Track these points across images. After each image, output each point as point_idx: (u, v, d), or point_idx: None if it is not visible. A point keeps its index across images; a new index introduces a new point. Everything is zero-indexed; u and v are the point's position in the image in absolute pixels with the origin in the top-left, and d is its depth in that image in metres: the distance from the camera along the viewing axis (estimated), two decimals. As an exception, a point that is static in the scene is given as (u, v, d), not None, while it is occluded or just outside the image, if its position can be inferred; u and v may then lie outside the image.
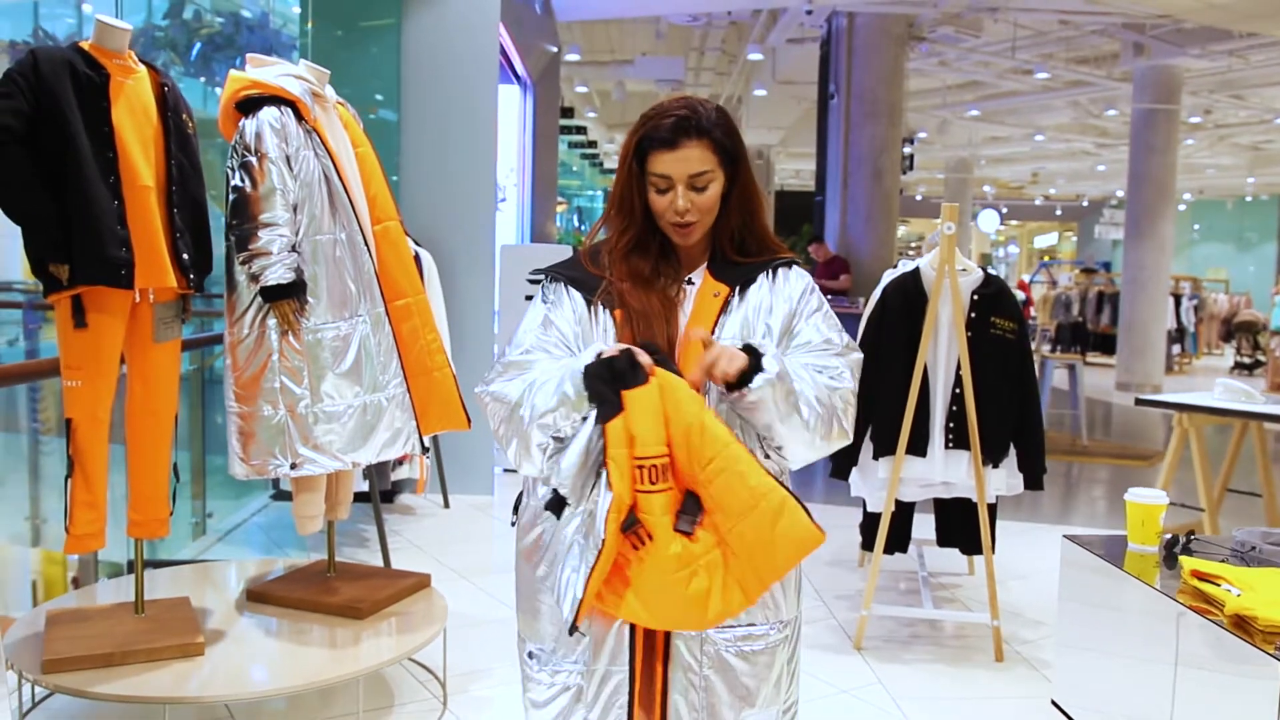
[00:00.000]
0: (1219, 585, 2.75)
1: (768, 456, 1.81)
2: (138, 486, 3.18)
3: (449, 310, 5.57)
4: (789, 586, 1.89)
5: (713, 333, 1.83)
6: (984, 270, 4.18)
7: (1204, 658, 2.68)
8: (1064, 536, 3.54)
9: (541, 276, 1.94)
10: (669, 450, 1.68)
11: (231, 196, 3.13)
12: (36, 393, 4.63)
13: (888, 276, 4.32)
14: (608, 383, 1.68)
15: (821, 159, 11.94)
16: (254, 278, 3.11)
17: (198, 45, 6.12)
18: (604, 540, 1.64)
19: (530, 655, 1.88)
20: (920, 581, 4.60)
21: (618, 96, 15.60)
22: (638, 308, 1.83)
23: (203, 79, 6.07)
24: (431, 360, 3.52)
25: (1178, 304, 17.40)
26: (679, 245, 1.90)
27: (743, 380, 1.70)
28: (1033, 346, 13.61)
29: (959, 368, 4.04)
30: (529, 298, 1.94)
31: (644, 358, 1.70)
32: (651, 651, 1.83)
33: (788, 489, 1.71)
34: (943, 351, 4.13)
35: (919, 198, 29.03)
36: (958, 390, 4.08)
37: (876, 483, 4.20)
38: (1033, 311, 18.92)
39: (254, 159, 3.10)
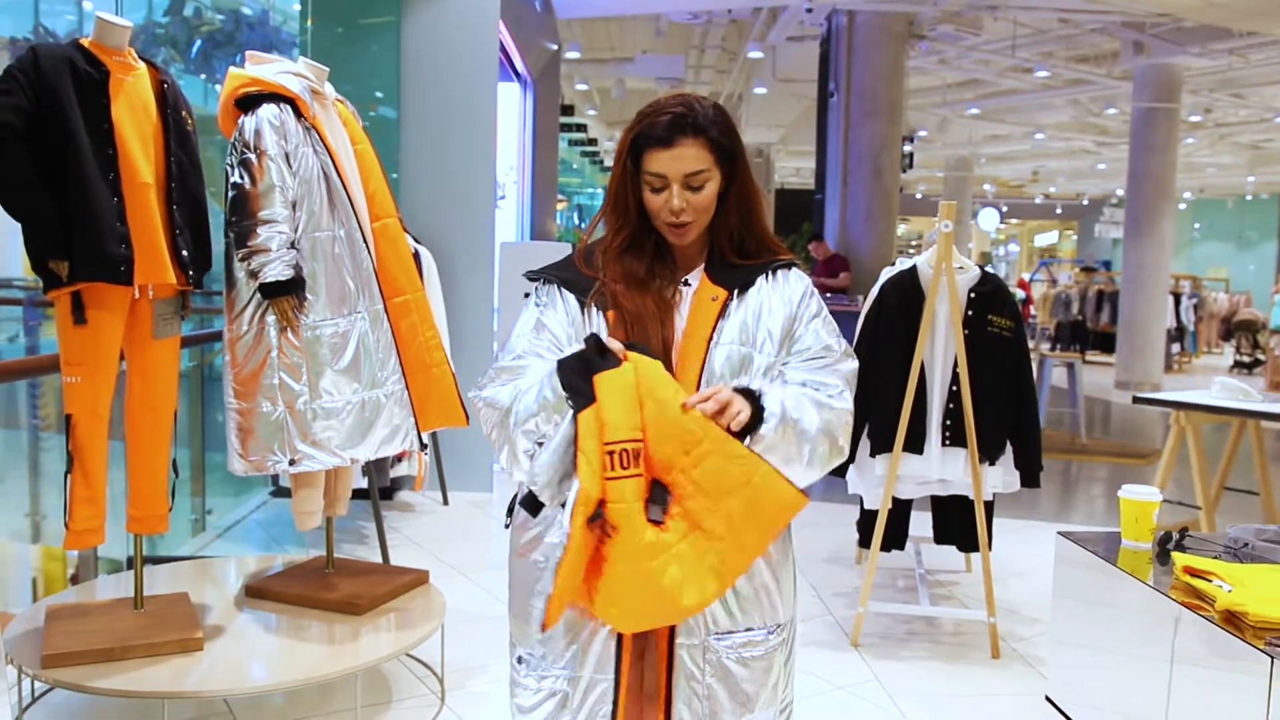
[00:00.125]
0: (1211, 581, 2.77)
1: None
2: (137, 483, 3.19)
3: (448, 307, 5.58)
4: (785, 589, 1.87)
5: (710, 338, 1.79)
6: (981, 268, 4.19)
7: (1196, 653, 2.69)
8: (1058, 533, 3.55)
9: (533, 281, 1.91)
10: (642, 435, 1.63)
11: (231, 193, 3.14)
12: (36, 389, 4.64)
13: (885, 274, 4.33)
14: (578, 372, 1.65)
15: (821, 157, 11.95)
16: (253, 274, 3.13)
17: (198, 42, 6.13)
18: (569, 535, 1.58)
19: (520, 660, 1.86)
20: (917, 579, 4.62)
21: (618, 94, 15.61)
22: (631, 309, 1.80)
23: (203, 76, 6.08)
24: (430, 357, 3.53)
25: (1177, 303, 17.40)
26: (675, 245, 1.86)
27: (749, 426, 1.67)
28: (1032, 345, 13.62)
29: (956, 365, 4.05)
30: (528, 294, 1.92)
31: (614, 344, 1.66)
32: (642, 659, 1.81)
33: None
34: (940, 349, 4.14)
35: (919, 196, 29.03)
36: (955, 388, 4.09)
37: (874, 480, 4.21)
38: (1033, 310, 18.94)
39: (253, 156, 3.11)
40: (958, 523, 4.45)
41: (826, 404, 1.77)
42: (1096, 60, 13.95)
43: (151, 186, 2.98)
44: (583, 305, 1.82)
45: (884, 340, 4.15)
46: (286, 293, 3.15)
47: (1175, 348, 17.50)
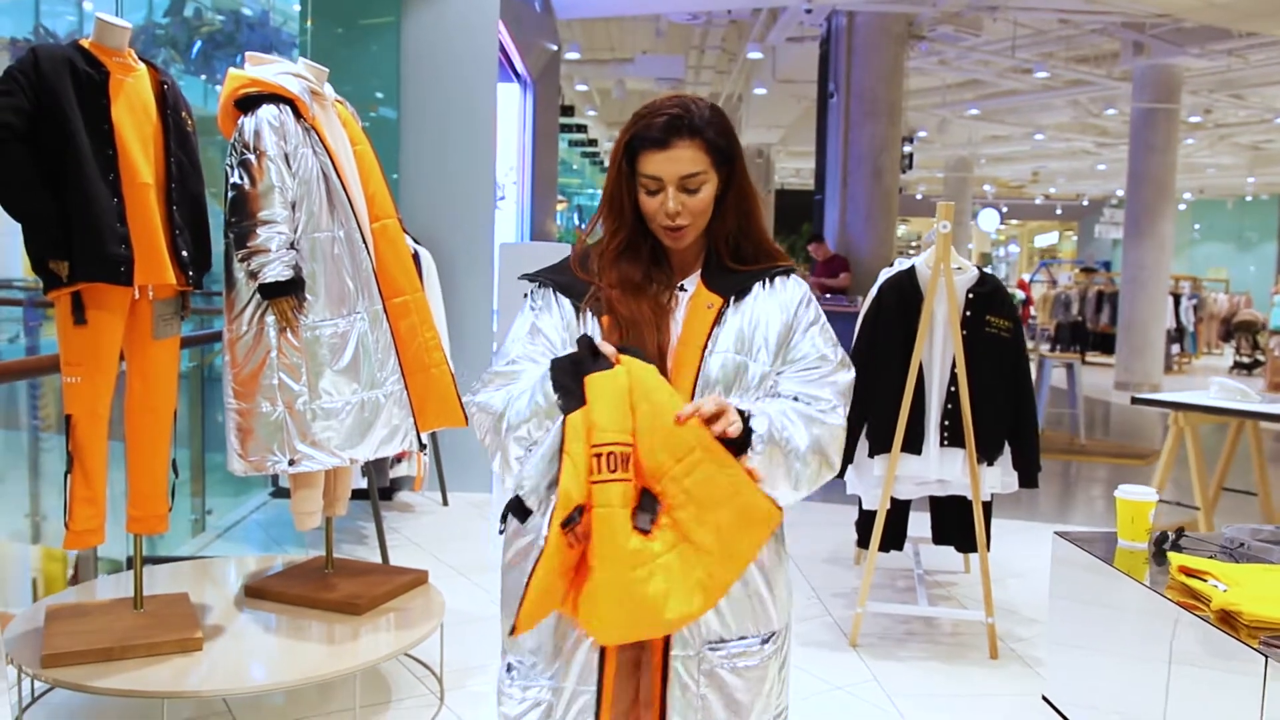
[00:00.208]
0: (1206, 581, 2.78)
1: None
2: (137, 483, 3.20)
3: (448, 308, 5.58)
4: (779, 596, 1.83)
5: (705, 346, 1.76)
6: (979, 269, 4.20)
7: (1192, 653, 2.70)
8: (1055, 533, 3.56)
9: (531, 282, 1.88)
10: (632, 440, 1.59)
11: (230, 194, 3.15)
12: (37, 389, 4.65)
13: (884, 275, 4.33)
14: (569, 373, 1.62)
15: (821, 158, 11.95)
16: (252, 275, 3.13)
17: (198, 43, 6.14)
18: (545, 539, 1.54)
19: (509, 668, 1.83)
20: (916, 579, 4.62)
21: (618, 95, 15.62)
22: (626, 315, 1.76)
23: (203, 76, 6.09)
24: (429, 357, 3.54)
25: (1177, 304, 17.41)
26: (671, 250, 1.83)
27: (740, 444, 1.64)
28: (1032, 346, 13.59)
29: (954, 366, 4.06)
30: (527, 295, 1.89)
31: (606, 347, 1.63)
32: (639, 670, 1.79)
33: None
34: (938, 350, 4.15)
35: (919, 196, 29.05)
36: (953, 388, 4.10)
37: (872, 480, 4.22)
38: (1033, 311, 18.95)
39: (253, 157, 3.12)
40: (956, 523, 4.46)
41: (818, 419, 1.73)
42: (1096, 61, 13.96)
43: (151, 187, 2.99)
44: (578, 310, 1.80)
45: (882, 341, 4.15)
46: (286, 293, 3.16)
47: (1175, 349, 17.50)
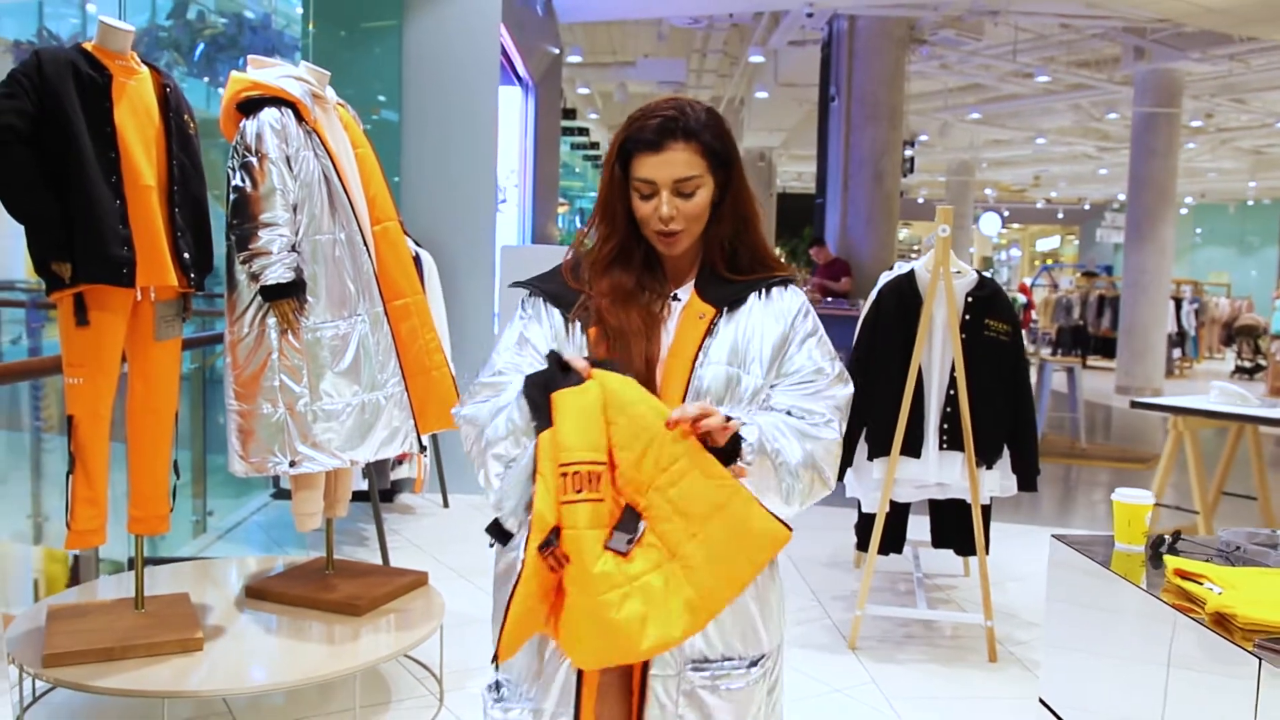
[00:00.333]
0: (1201, 584, 2.79)
1: None
2: (138, 484, 3.21)
3: (449, 311, 5.60)
4: (770, 618, 1.76)
5: (696, 358, 1.70)
6: (978, 272, 4.21)
7: (1187, 655, 2.71)
8: (1052, 536, 3.57)
9: (524, 289, 1.82)
10: (608, 457, 1.54)
11: (232, 196, 3.16)
12: (39, 390, 4.66)
13: (884, 279, 4.34)
14: (540, 390, 1.57)
15: (822, 161, 11.97)
16: (254, 277, 3.15)
17: (201, 45, 6.16)
18: (522, 563, 1.50)
19: (496, 685, 1.77)
20: (915, 582, 4.63)
21: (620, 98, 15.63)
22: (614, 325, 1.71)
23: (206, 79, 6.11)
24: (430, 360, 3.55)
25: (1178, 308, 17.40)
26: (665, 257, 1.78)
27: (729, 453, 1.59)
28: (1033, 350, 13.58)
29: (953, 369, 4.07)
30: (521, 302, 1.86)
31: (578, 362, 1.58)
32: (624, 691, 1.71)
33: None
34: (937, 353, 4.16)
35: (921, 200, 29.05)
36: (952, 392, 4.11)
37: (871, 483, 4.23)
38: (1034, 315, 18.95)
39: (254, 159, 3.13)
40: (955, 526, 4.47)
41: (811, 434, 1.68)
42: (1097, 65, 13.97)
43: (153, 189, 3.01)
44: (567, 320, 1.75)
45: (882, 344, 4.16)
46: (287, 295, 3.17)
47: (1176, 353, 17.50)
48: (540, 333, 1.76)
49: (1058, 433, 9.56)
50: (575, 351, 1.69)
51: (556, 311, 1.76)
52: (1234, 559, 3.05)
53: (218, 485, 5.52)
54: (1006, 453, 4.20)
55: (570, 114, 15.29)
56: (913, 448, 4.12)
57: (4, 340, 5.36)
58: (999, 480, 4.22)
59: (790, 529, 1.59)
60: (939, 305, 4.09)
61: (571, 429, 1.52)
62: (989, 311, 4.13)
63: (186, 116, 3.18)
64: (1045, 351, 16.93)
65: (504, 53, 7.34)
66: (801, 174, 26.54)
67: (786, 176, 27.51)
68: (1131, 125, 13.96)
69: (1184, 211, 28.59)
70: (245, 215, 3.14)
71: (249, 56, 3.36)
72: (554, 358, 1.60)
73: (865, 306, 4.42)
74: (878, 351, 4.16)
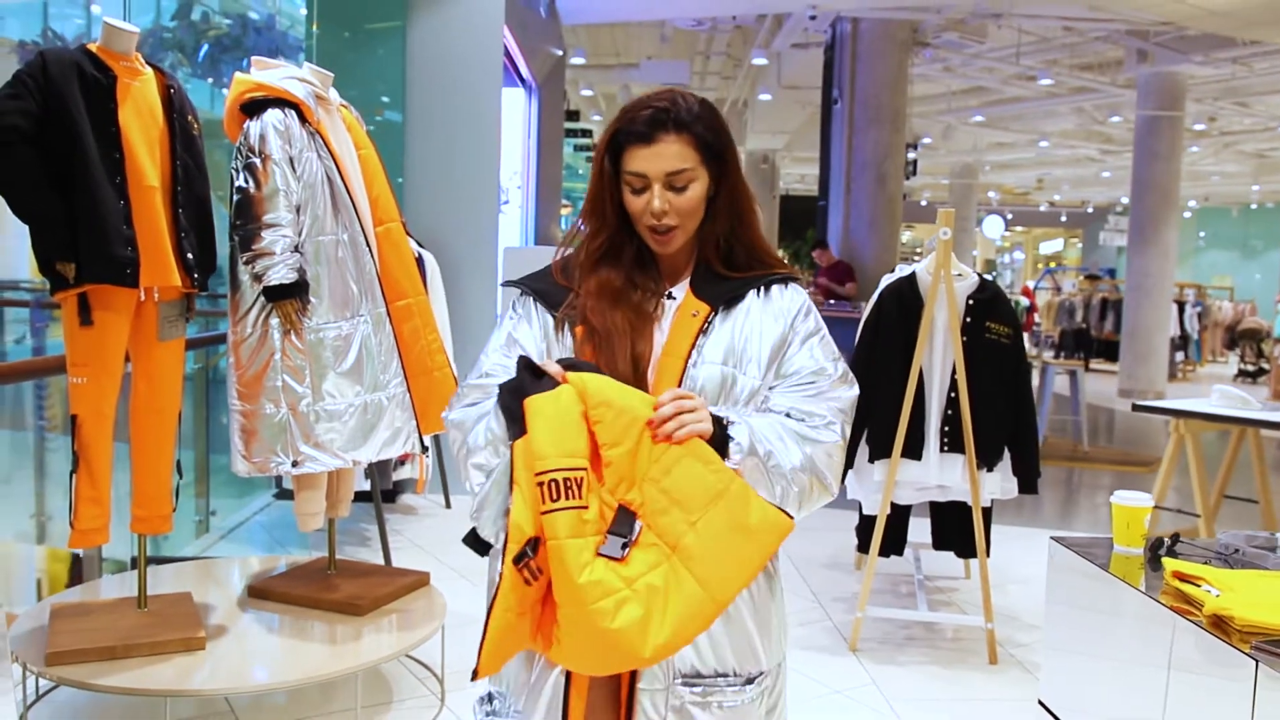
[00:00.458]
0: (1199, 586, 2.79)
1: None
2: (141, 483, 3.22)
3: (451, 311, 5.61)
4: (770, 634, 1.68)
5: (688, 358, 1.64)
6: (979, 275, 4.21)
7: (1185, 657, 2.71)
8: (1051, 538, 3.57)
9: (514, 288, 1.76)
10: (590, 460, 1.48)
11: (236, 197, 3.17)
12: (43, 390, 4.68)
13: (885, 281, 4.35)
14: (514, 396, 1.51)
15: (825, 164, 11.97)
16: (257, 277, 3.16)
17: (205, 46, 6.18)
18: (500, 576, 1.45)
19: (487, 697, 1.72)
20: (916, 584, 4.64)
21: (623, 100, 15.60)
22: (599, 325, 1.64)
23: (210, 80, 6.13)
24: (432, 360, 3.56)
25: (1181, 311, 17.40)
26: (660, 255, 1.71)
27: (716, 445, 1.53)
28: (1036, 352, 13.57)
29: (954, 372, 4.07)
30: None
31: (550, 366, 1.53)
32: (613, 704, 1.64)
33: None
34: (938, 356, 4.17)
35: (924, 203, 29.07)
36: (953, 394, 4.11)
37: (872, 485, 4.24)
38: (1037, 318, 18.94)
39: (258, 160, 3.15)
40: (956, 529, 4.48)
41: (810, 437, 1.60)
42: (1100, 68, 13.97)
43: (157, 190, 3.02)
44: (557, 319, 1.69)
45: (883, 347, 4.17)
46: (290, 296, 3.18)
47: (1179, 356, 17.49)
48: (529, 333, 1.70)
49: (1060, 436, 9.56)
50: (565, 352, 1.66)
51: (547, 311, 1.70)
52: (1233, 562, 3.05)
53: (220, 485, 5.53)
54: (1007, 455, 4.21)
55: (573, 116, 15.32)
56: (914, 450, 4.12)
57: (8, 340, 5.38)
58: (1000, 483, 4.22)
59: (791, 517, 1.55)
60: (940, 308, 4.10)
61: (545, 436, 1.46)
62: (990, 314, 4.14)
63: (190, 117, 3.19)
64: (1048, 354, 16.91)
65: (507, 54, 7.35)
66: (804, 176, 26.57)
67: (789, 179, 27.54)
68: (1134, 128, 13.96)
69: (1187, 215, 28.59)
70: (249, 216, 3.15)
71: (253, 58, 3.37)
72: (523, 363, 1.54)
73: (866, 309, 4.43)
74: (879, 354, 4.17)
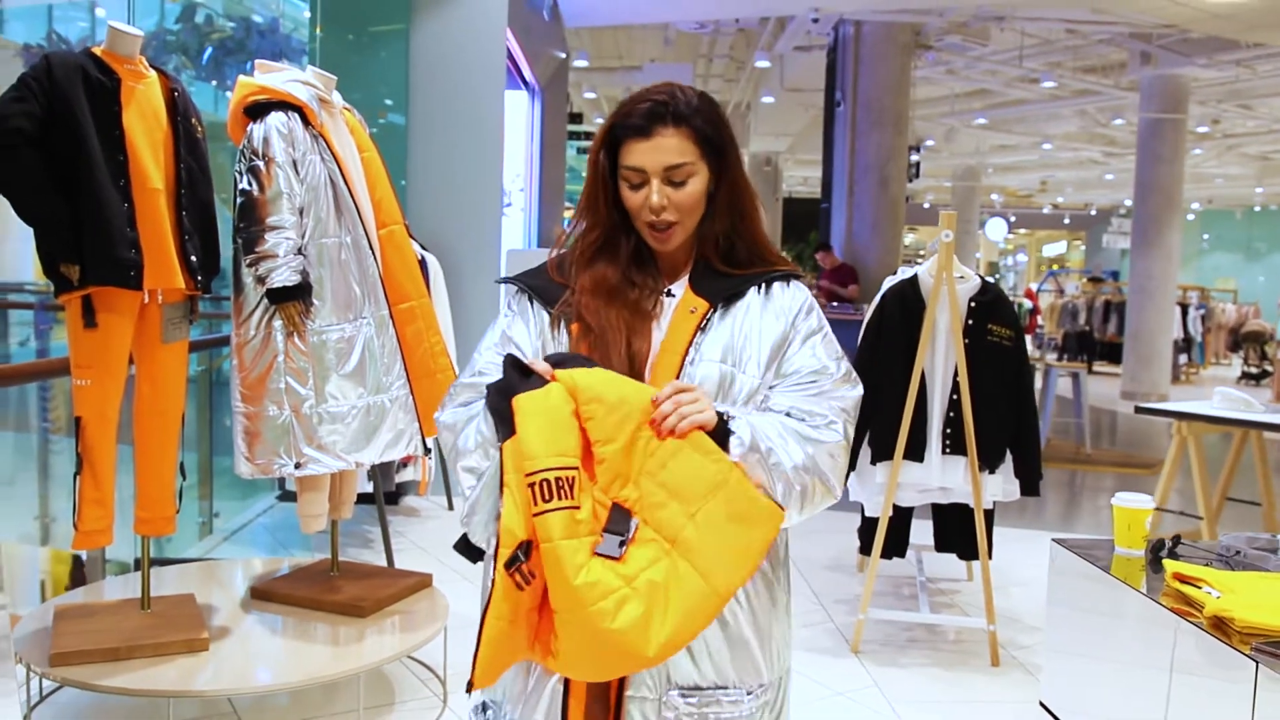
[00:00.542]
0: (1200, 588, 2.79)
1: None
2: (145, 485, 3.23)
3: (454, 314, 5.62)
4: (771, 645, 1.63)
5: (685, 355, 1.59)
6: (981, 278, 4.22)
7: (1185, 659, 2.71)
8: (1052, 540, 3.57)
9: (509, 286, 1.70)
10: (581, 459, 1.43)
11: (239, 200, 3.19)
12: (47, 392, 4.69)
13: (887, 283, 4.36)
14: (502, 397, 1.47)
15: (828, 166, 11.98)
16: (260, 280, 3.17)
17: (209, 49, 6.20)
18: (492, 583, 1.40)
19: (481, 707, 1.66)
20: (918, 586, 4.64)
21: (626, 103, 15.63)
22: (593, 323, 1.59)
23: (214, 83, 6.15)
24: (435, 363, 3.57)
25: (1184, 314, 17.39)
26: (659, 252, 1.67)
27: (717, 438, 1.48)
28: (1039, 355, 13.56)
29: (956, 374, 4.08)
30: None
31: (538, 364, 1.48)
32: (606, 713, 1.57)
33: None
34: (940, 358, 4.17)
35: (927, 205, 29.06)
36: (955, 396, 4.12)
37: (874, 487, 4.24)
38: (1040, 320, 18.93)
39: (261, 163, 3.16)
40: (958, 531, 4.48)
41: (812, 437, 1.54)
42: (1104, 71, 13.98)
43: (161, 192, 3.03)
44: (552, 317, 1.64)
45: (885, 349, 4.18)
46: (293, 298, 3.19)
47: (1183, 359, 17.48)
48: (524, 331, 1.65)
49: (1063, 438, 9.56)
50: (561, 349, 1.61)
51: (541, 307, 1.65)
52: (1234, 563, 3.05)
53: (224, 487, 5.54)
54: (1009, 457, 4.21)
55: (576, 118, 15.33)
56: (916, 452, 4.13)
57: (12, 342, 5.40)
58: (1001, 485, 4.23)
59: (782, 508, 1.50)
60: (942, 310, 4.10)
61: (535, 435, 1.42)
62: (992, 316, 4.15)
63: (194, 120, 3.20)
64: (1051, 357, 16.90)
65: (510, 57, 7.36)
66: (807, 179, 26.58)
67: (792, 181, 27.54)
68: (1138, 131, 13.96)
69: (1191, 217, 28.57)
70: (252, 219, 3.16)
71: (256, 61, 3.39)
72: (510, 362, 1.50)
73: (869, 311, 4.43)
74: (881, 356, 4.18)
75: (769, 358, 1.61)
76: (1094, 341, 17.71)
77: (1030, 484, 4.22)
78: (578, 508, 1.40)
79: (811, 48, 12.54)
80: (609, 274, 1.63)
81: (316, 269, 3.26)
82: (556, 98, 10.53)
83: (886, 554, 4.31)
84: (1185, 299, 17.89)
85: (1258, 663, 2.41)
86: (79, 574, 4.35)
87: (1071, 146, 20.29)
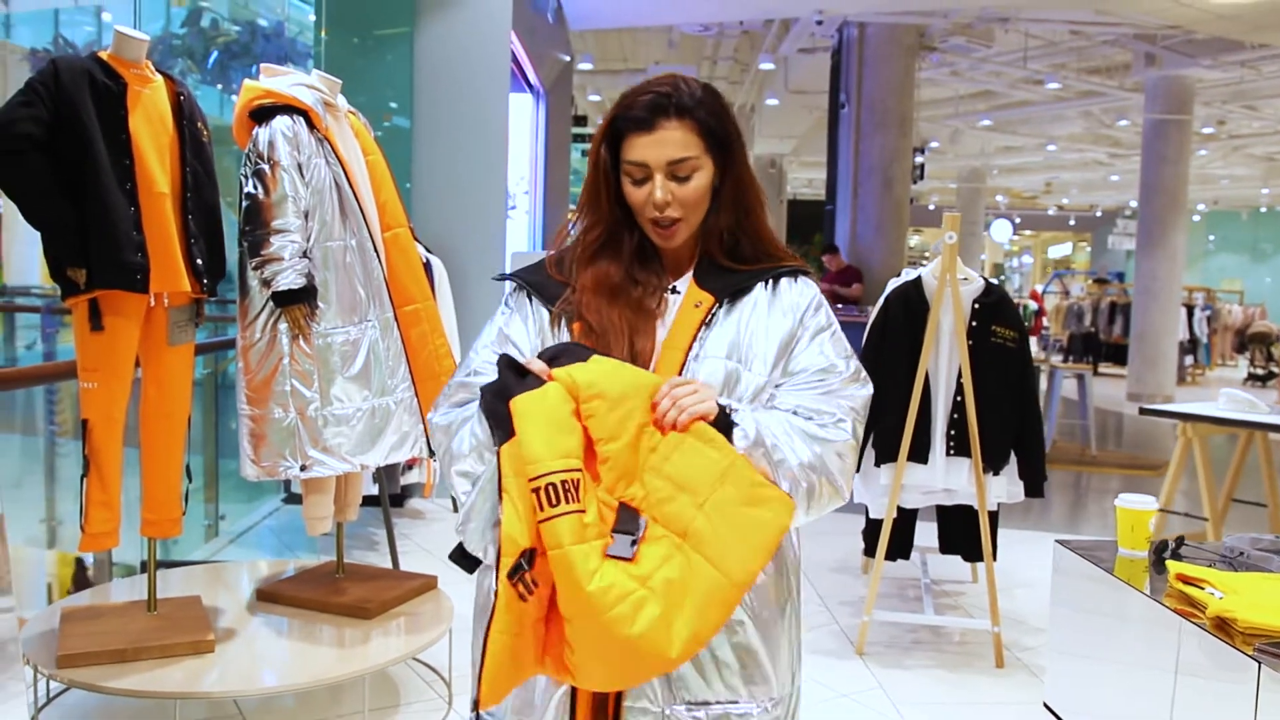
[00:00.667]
0: (1203, 589, 2.79)
1: None
2: (151, 487, 3.24)
3: (459, 316, 5.63)
4: (780, 657, 1.57)
5: (689, 350, 1.54)
6: (985, 279, 4.22)
7: (1188, 660, 2.72)
8: (1055, 541, 3.57)
9: (508, 282, 1.66)
10: (584, 460, 1.38)
11: (245, 203, 3.20)
12: (54, 395, 4.71)
13: (891, 285, 4.37)
14: (498, 399, 1.41)
15: (832, 168, 11.99)
16: (266, 283, 3.18)
17: (215, 53, 6.21)
18: (495, 594, 1.34)
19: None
20: (923, 588, 4.64)
21: (631, 105, 15.63)
22: (595, 322, 1.54)
23: (219, 86, 6.16)
24: (440, 365, 3.58)
25: (1190, 315, 17.36)
26: (663, 249, 1.62)
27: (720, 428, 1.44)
28: (1044, 356, 13.55)
29: (960, 375, 4.08)
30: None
31: (534, 363, 1.44)
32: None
33: None
34: (944, 359, 4.18)
35: (932, 207, 29.04)
36: (959, 398, 4.12)
37: (879, 489, 4.25)
38: (1045, 322, 18.91)
39: (267, 167, 3.17)
40: (963, 532, 4.48)
41: (819, 435, 1.49)
42: (1108, 72, 13.97)
43: (167, 196, 3.04)
44: (552, 315, 1.59)
45: (889, 350, 4.18)
46: (298, 301, 3.20)
47: (1189, 360, 17.45)
48: (522, 328, 1.60)
49: (1068, 439, 9.55)
50: None
51: (542, 305, 1.60)
52: (1237, 564, 3.05)
53: (230, 490, 5.56)
54: (1014, 459, 4.22)
55: (581, 121, 15.32)
56: (920, 454, 4.13)
57: (19, 345, 5.41)
58: (1006, 486, 4.23)
59: (791, 499, 1.45)
60: (946, 312, 4.11)
61: (536, 437, 1.35)
62: (996, 318, 4.15)
63: (200, 124, 3.22)
64: (1056, 358, 16.89)
65: (515, 60, 7.37)
66: (812, 180, 26.57)
67: (797, 183, 27.54)
68: (1143, 132, 13.95)
69: (1197, 218, 28.54)
70: (257, 222, 3.17)
71: (262, 65, 3.40)
72: (505, 362, 1.45)
73: (873, 313, 4.44)
74: (885, 357, 4.18)
75: (776, 355, 1.56)
76: (1099, 343, 17.69)
77: (1034, 485, 4.22)
78: (584, 510, 1.34)
79: (816, 50, 12.55)
80: (611, 272, 1.58)
81: (322, 272, 3.27)
82: (561, 100, 10.55)
83: (891, 556, 4.31)
84: (1191, 300, 17.86)
85: (1260, 663, 2.41)
86: (81, 577, 4.37)
87: (1076, 148, 20.27)
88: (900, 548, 4.43)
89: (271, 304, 3.21)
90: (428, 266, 4.42)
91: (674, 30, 12.44)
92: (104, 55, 3.01)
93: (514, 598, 1.33)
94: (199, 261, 3.14)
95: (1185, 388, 15.67)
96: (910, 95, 11.31)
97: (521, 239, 9.17)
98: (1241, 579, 2.82)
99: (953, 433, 4.15)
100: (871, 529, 4.48)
